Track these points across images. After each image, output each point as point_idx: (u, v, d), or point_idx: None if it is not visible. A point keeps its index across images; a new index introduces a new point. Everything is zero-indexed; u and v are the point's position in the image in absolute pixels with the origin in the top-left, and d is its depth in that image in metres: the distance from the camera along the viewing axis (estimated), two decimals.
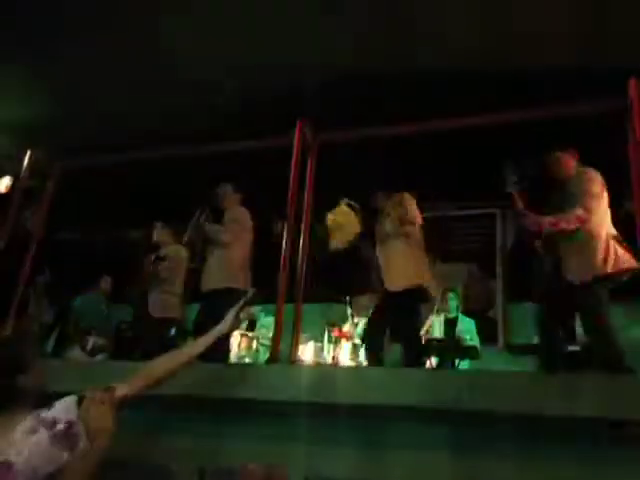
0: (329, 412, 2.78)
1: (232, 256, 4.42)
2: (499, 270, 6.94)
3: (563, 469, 2.44)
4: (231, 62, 5.36)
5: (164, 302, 4.77)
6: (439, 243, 4.37)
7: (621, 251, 3.32)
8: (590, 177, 3.46)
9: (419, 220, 4.26)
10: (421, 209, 4.34)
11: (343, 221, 4.67)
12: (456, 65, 5.11)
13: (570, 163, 3.65)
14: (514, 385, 2.48)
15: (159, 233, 5.15)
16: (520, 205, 3.66)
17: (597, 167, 3.51)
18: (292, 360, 3.29)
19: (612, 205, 3.47)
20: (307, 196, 3.67)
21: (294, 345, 3.30)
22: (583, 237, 3.37)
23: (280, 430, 2.87)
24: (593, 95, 3.13)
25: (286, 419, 2.85)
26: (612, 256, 3.29)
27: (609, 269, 3.26)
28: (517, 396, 2.42)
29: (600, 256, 3.30)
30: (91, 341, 5.53)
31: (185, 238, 4.73)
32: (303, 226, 3.62)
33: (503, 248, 6.93)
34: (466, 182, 6.29)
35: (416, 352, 4.05)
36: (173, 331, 4.99)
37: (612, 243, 3.33)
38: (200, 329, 4.27)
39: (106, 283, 6.58)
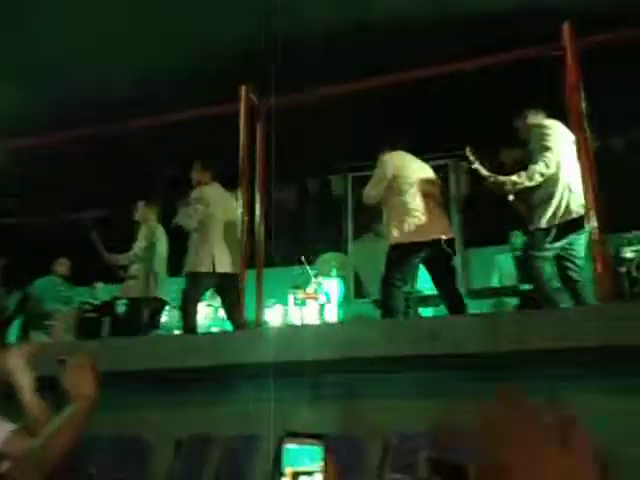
0: (300, 370, 2.86)
1: (198, 239, 4.41)
2: (455, 219, 7.09)
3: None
4: (175, 29, 5.20)
5: (138, 283, 4.85)
6: None
7: (571, 200, 3.51)
8: (543, 130, 3.64)
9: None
10: (372, 166, 4.35)
11: None
12: (403, 18, 5.09)
13: (526, 121, 3.84)
14: (471, 327, 2.59)
15: (141, 212, 5.17)
16: (485, 172, 3.82)
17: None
18: (258, 324, 3.34)
19: None
20: (259, 161, 3.66)
21: (258, 309, 3.35)
22: (543, 189, 3.59)
23: (254, 392, 2.94)
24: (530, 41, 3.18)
25: (259, 381, 2.92)
26: (563, 206, 3.49)
27: (557, 220, 3.46)
28: (474, 337, 2.53)
29: (554, 206, 3.51)
30: (54, 324, 5.49)
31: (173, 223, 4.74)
32: (259, 191, 3.63)
33: (458, 197, 7.07)
34: (417, 135, 6.35)
35: (388, 303, 4.11)
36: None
37: (565, 193, 3.52)
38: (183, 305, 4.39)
39: (62, 265, 6.45)
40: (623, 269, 4.21)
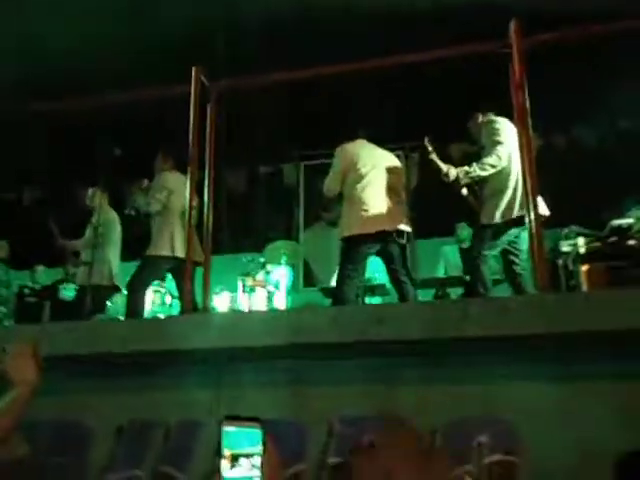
0: (246, 356, 2.86)
1: (160, 224, 4.46)
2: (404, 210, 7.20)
3: (468, 388, 2.67)
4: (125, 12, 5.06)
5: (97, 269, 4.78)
6: None
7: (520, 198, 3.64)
8: (494, 126, 3.80)
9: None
10: (325, 154, 4.39)
11: None
12: (355, 5, 5.10)
13: (477, 121, 3.97)
14: (414, 314, 2.65)
15: (92, 198, 5.12)
16: (441, 163, 3.91)
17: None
18: (205, 309, 3.32)
19: None
20: (209, 146, 3.61)
21: (205, 295, 3.33)
22: (494, 183, 3.71)
23: (199, 378, 2.93)
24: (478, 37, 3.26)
25: (204, 366, 2.91)
26: (517, 200, 3.62)
27: (513, 214, 3.60)
28: (417, 324, 2.59)
29: (505, 200, 3.64)
30: None
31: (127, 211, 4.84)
32: (207, 176, 3.59)
33: (407, 188, 7.17)
34: (369, 125, 6.40)
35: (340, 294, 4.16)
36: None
37: (519, 187, 3.65)
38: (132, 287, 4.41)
39: (1, 249, 6.22)
40: (560, 262, 4.38)
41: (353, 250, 3.91)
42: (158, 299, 5.39)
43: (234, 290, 5.50)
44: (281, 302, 5.32)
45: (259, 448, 1.07)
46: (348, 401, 2.78)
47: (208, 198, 3.50)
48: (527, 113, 3.12)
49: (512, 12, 3.26)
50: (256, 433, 1.07)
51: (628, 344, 2.48)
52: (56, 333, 2.94)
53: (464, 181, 3.86)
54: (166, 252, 4.37)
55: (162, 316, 4.38)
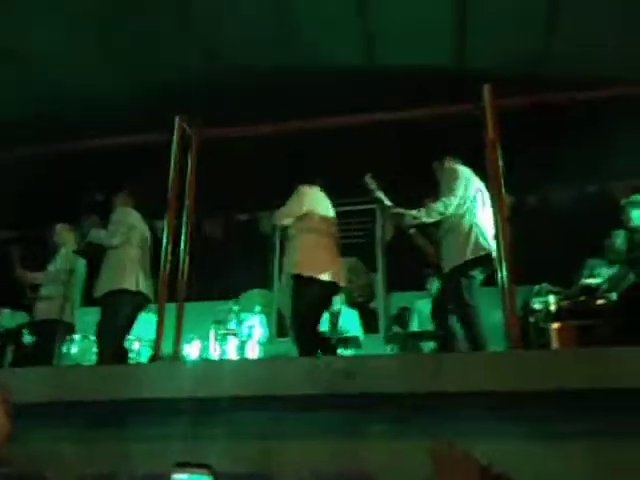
0: (214, 406, 2.79)
1: (122, 257, 4.37)
2: (379, 263, 7.27)
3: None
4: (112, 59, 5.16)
5: (52, 305, 4.64)
6: None
7: (481, 238, 3.69)
8: (453, 175, 3.87)
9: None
10: None
11: None
12: (336, 66, 5.29)
13: (443, 164, 4.06)
14: (386, 367, 2.64)
15: (59, 234, 5.05)
16: (388, 202, 3.99)
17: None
18: (175, 357, 3.26)
19: None
20: (189, 193, 3.63)
21: (176, 342, 3.27)
22: (448, 228, 3.77)
23: (166, 428, 2.84)
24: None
25: (172, 416, 2.83)
26: (472, 244, 3.66)
27: (468, 256, 3.63)
28: (390, 377, 2.58)
29: (461, 244, 3.68)
30: None
31: (75, 248, 4.75)
32: (185, 223, 3.59)
33: (383, 242, 7.27)
34: (346, 179, 6.52)
35: (305, 344, 4.13)
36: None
37: (474, 231, 3.70)
38: (100, 334, 4.24)
39: None
40: (532, 319, 4.44)
41: (301, 291, 3.88)
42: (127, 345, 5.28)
43: (206, 338, 5.43)
44: (254, 352, 5.26)
45: None
46: (319, 455, 2.72)
47: (185, 244, 3.49)
48: (500, 173, 3.23)
49: (486, 77, 3.40)
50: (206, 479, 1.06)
51: (599, 403, 2.49)
52: (19, 379, 2.84)
53: (412, 223, 3.94)
54: (129, 285, 4.26)
55: (131, 363, 4.27)
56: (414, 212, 3.85)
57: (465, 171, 3.95)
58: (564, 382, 2.41)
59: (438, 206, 3.78)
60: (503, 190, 3.22)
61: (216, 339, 5.36)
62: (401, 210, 3.94)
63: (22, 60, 5.26)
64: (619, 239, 4.48)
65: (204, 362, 3.81)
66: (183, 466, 1.02)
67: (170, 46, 4.98)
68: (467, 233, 3.74)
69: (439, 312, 4.01)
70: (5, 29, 4.85)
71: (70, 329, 4.85)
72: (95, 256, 4.57)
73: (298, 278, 3.85)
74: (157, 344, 3.16)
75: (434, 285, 5.69)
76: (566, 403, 2.53)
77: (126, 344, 4.69)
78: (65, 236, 5.03)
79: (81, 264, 4.99)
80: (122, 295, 4.25)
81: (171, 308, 3.37)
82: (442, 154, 4.12)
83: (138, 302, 4.34)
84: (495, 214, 3.23)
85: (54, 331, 4.56)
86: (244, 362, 3.78)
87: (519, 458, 2.55)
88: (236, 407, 2.78)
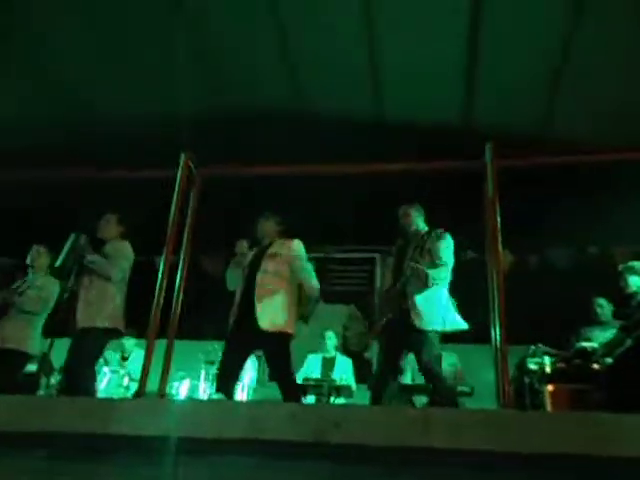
0: (198, 447, 2.72)
1: (115, 293, 4.30)
2: (377, 312, 7.21)
3: None
4: (118, 93, 5.27)
5: (22, 333, 4.54)
6: (321, 284, 4.48)
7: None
8: (445, 239, 4.07)
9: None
10: (306, 250, 4.50)
11: None
12: (344, 110, 5.38)
13: (416, 217, 4.19)
14: (375, 418, 2.59)
15: (36, 256, 4.85)
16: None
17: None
18: (160, 395, 3.20)
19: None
20: (188, 230, 3.65)
21: (163, 380, 3.22)
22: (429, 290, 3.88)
23: (145, 468, 2.77)
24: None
25: (150, 456, 2.76)
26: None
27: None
28: (378, 429, 2.53)
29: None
30: None
31: (58, 263, 4.24)
32: (182, 260, 3.59)
33: (382, 290, 7.23)
34: (348, 226, 6.56)
35: (293, 392, 4.10)
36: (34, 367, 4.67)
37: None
38: (70, 370, 4.07)
39: None
40: (527, 380, 4.38)
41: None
42: (115, 379, 5.21)
43: (196, 377, 5.35)
44: (243, 394, 5.18)
45: None
46: None
47: (180, 281, 3.48)
48: (498, 232, 3.23)
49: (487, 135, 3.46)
50: None
51: (590, 469, 2.43)
52: None
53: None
54: (120, 326, 4.26)
55: (113, 397, 4.19)
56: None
57: (449, 234, 4.14)
58: (552, 445, 2.35)
59: (439, 273, 3.99)
60: (500, 247, 3.22)
61: (206, 379, 5.29)
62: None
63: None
64: (599, 308, 4.69)
65: (190, 401, 3.73)
66: None
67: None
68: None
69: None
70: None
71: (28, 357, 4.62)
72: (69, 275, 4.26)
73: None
74: (143, 380, 3.11)
75: None
76: (553, 465, 2.46)
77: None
78: (42, 261, 4.85)
79: (56, 291, 4.77)
80: (111, 333, 4.24)
81: (160, 345, 3.34)
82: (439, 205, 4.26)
83: (113, 337, 4.32)
84: (491, 271, 3.23)
85: (22, 361, 4.49)
86: (231, 403, 3.72)
87: None
88: (220, 449, 2.71)
